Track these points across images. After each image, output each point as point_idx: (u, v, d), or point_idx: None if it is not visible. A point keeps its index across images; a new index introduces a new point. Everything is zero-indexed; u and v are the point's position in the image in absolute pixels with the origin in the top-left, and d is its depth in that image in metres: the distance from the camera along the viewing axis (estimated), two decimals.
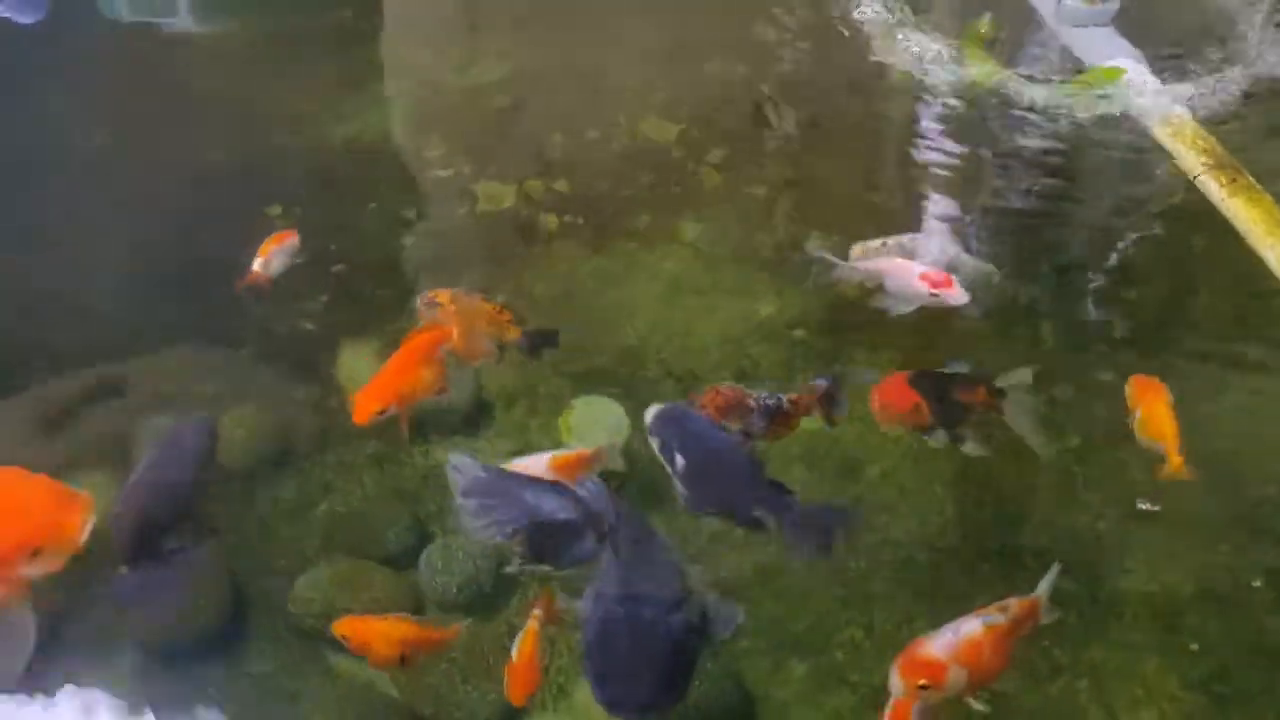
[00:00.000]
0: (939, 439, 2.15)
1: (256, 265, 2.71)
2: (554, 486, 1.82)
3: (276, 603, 2.38)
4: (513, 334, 2.28)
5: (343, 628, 2.06)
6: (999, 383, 2.12)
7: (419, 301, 2.33)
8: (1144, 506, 2.44)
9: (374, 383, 2.12)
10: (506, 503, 1.77)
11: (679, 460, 1.86)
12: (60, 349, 2.90)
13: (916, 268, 2.39)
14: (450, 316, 2.22)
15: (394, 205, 3.39)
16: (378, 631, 2.03)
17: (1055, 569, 1.97)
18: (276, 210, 3.22)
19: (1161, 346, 2.86)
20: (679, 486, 1.89)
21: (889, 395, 2.15)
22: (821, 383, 2.14)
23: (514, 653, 1.99)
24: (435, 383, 2.15)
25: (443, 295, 2.27)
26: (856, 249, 2.52)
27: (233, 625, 2.35)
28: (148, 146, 3.49)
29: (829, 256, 2.53)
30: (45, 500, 1.68)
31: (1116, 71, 3.55)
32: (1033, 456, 2.38)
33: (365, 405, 2.09)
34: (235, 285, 2.70)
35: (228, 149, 3.48)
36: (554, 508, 1.76)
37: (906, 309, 2.38)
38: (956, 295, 2.35)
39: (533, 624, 2.01)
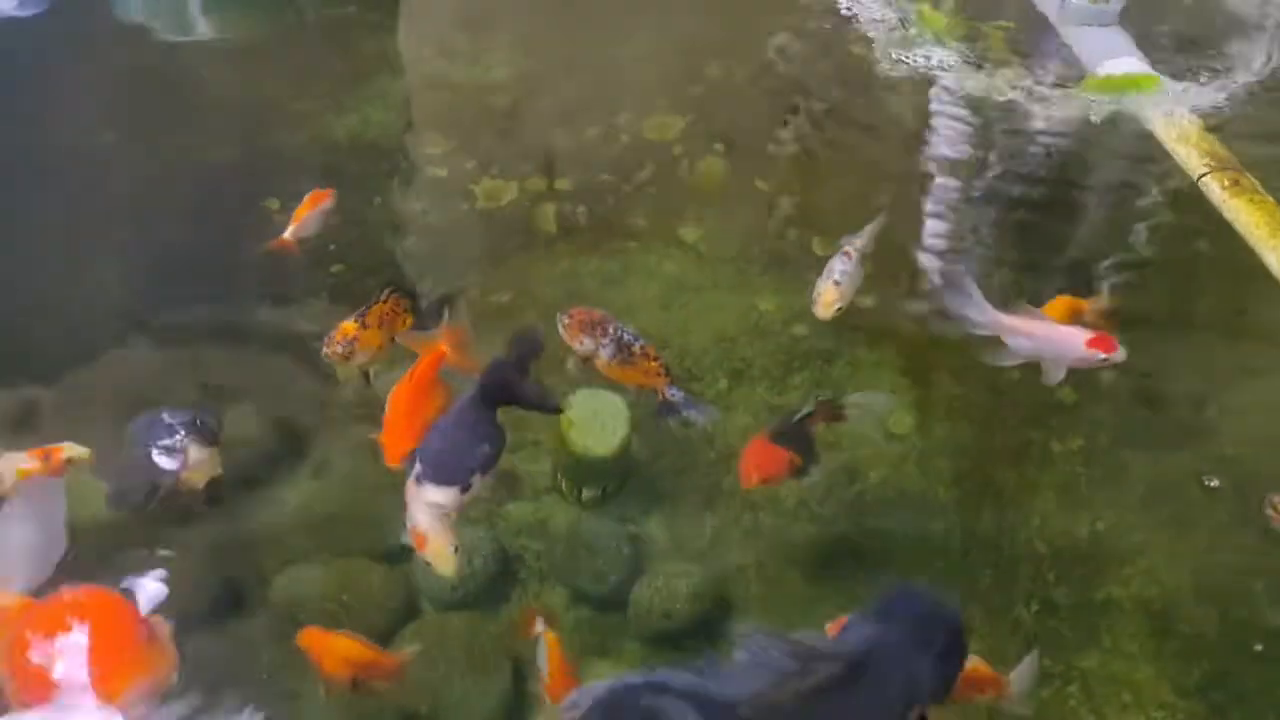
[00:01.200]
0: (812, 477, 2.24)
1: (288, 232, 2.81)
2: None
3: (274, 599, 2.37)
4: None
5: (304, 639, 2.08)
6: (847, 402, 2.30)
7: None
8: (1211, 483, 2.43)
9: (394, 423, 2.13)
10: None
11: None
12: (51, 345, 2.90)
13: (1079, 333, 2.27)
14: (440, 335, 2.23)
15: (395, 202, 3.39)
16: (334, 650, 2.05)
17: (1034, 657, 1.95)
18: (275, 205, 3.22)
19: (1166, 346, 2.86)
20: None
21: (762, 461, 2.18)
22: (674, 391, 2.29)
23: (545, 670, 2.02)
24: (446, 403, 2.16)
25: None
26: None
27: (229, 622, 2.33)
28: (149, 142, 3.48)
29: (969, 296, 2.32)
30: None
31: (1151, 80, 3.53)
32: (1037, 459, 2.37)
33: (395, 448, 2.09)
34: (265, 247, 2.79)
35: (229, 144, 3.47)
36: None
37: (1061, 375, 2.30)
38: (1120, 355, 2.26)
39: (549, 636, 2.03)
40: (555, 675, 2.03)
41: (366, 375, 2.52)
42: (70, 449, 2.11)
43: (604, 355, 2.27)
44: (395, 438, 2.10)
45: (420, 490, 1.93)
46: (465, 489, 1.95)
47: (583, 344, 2.28)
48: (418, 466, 1.96)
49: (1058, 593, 2.36)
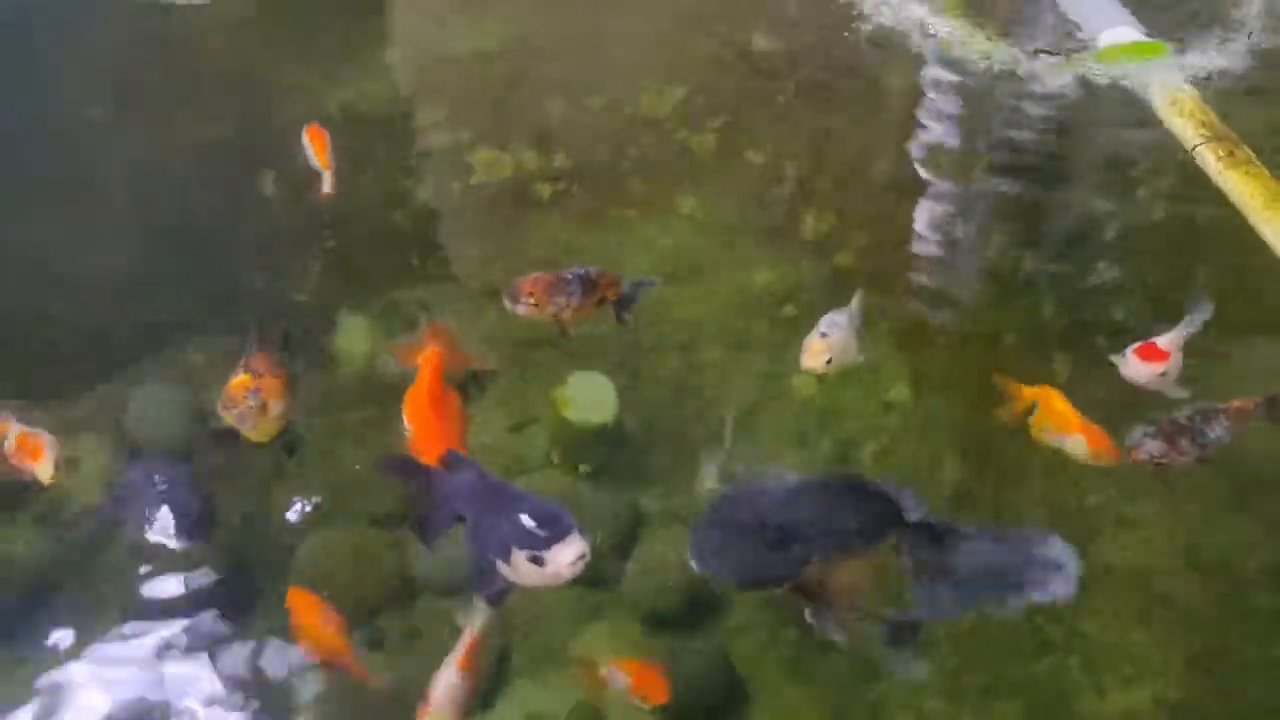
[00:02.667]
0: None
1: (327, 184, 2.81)
2: None
3: (275, 570, 2.39)
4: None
5: (293, 598, 2.11)
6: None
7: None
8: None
9: (423, 430, 2.13)
10: None
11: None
12: (54, 320, 2.91)
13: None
14: (429, 340, 2.26)
15: (390, 174, 3.38)
16: (314, 628, 2.08)
17: None
18: (269, 181, 3.22)
19: (1161, 320, 2.86)
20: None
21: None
22: (627, 284, 2.33)
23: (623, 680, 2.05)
24: (456, 401, 2.19)
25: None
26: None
27: (232, 591, 2.36)
28: (144, 117, 3.47)
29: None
30: None
31: (1159, 46, 3.51)
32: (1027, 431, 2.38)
33: (431, 451, 2.05)
34: (319, 199, 2.80)
35: (224, 118, 3.46)
36: None
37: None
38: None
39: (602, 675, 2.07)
40: (642, 673, 2.06)
41: (290, 448, 2.35)
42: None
43: (578, 299, 2.29)
44: (429, 442, 2.09)
45: (550, 559, 1.71)
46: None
47: (557, 304, 2.28)
48: (523, 547, 1.73)
49: None
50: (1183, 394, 2.30)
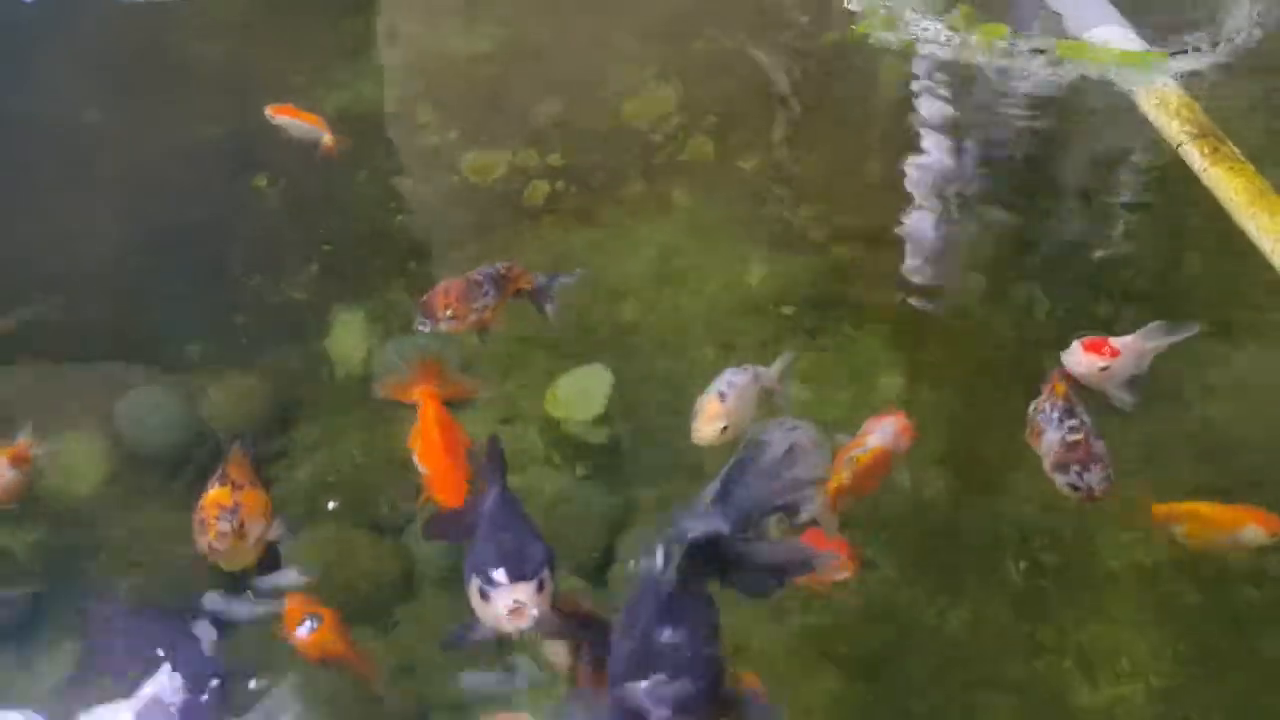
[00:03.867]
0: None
1: (327, 139, 2.87)
2: None
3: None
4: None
5: (292, 602, 2.05)
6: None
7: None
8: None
9: (439, 478, 2.05)
10: None
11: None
12: (46, 320, 2.92)
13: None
14: (421, 375, 2.21)
15: (384, 175, 3.39)
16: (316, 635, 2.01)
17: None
18: (262, 181, 3.23)
19: (1151, 316, 2.89)
20: None
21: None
22: (541, 276, 2.30)
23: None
24: (460, 432, 2.13)
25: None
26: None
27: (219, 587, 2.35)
28: (138, 119, 3.48)
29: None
30: None
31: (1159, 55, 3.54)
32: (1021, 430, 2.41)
33: (452, 493, 2.01)
34: (322, 154, 2.82)
35: (218, 119, 3.47)
36: None
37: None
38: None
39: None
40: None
41: (271, 555, 2.09)
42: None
43: (492, 299, 2.23)
44: (446, 485, 2.02)
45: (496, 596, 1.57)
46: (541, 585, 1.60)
47: (476, 310, 2.21)
48: (478, 576, 1.60)
49: (1046, 557, 2.39)
50: (1127, 399, 2.28)
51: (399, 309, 2.90)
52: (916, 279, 3.00)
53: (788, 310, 2.91)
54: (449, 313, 2.18)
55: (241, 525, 1.86)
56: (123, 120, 3.49)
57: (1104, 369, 2.25)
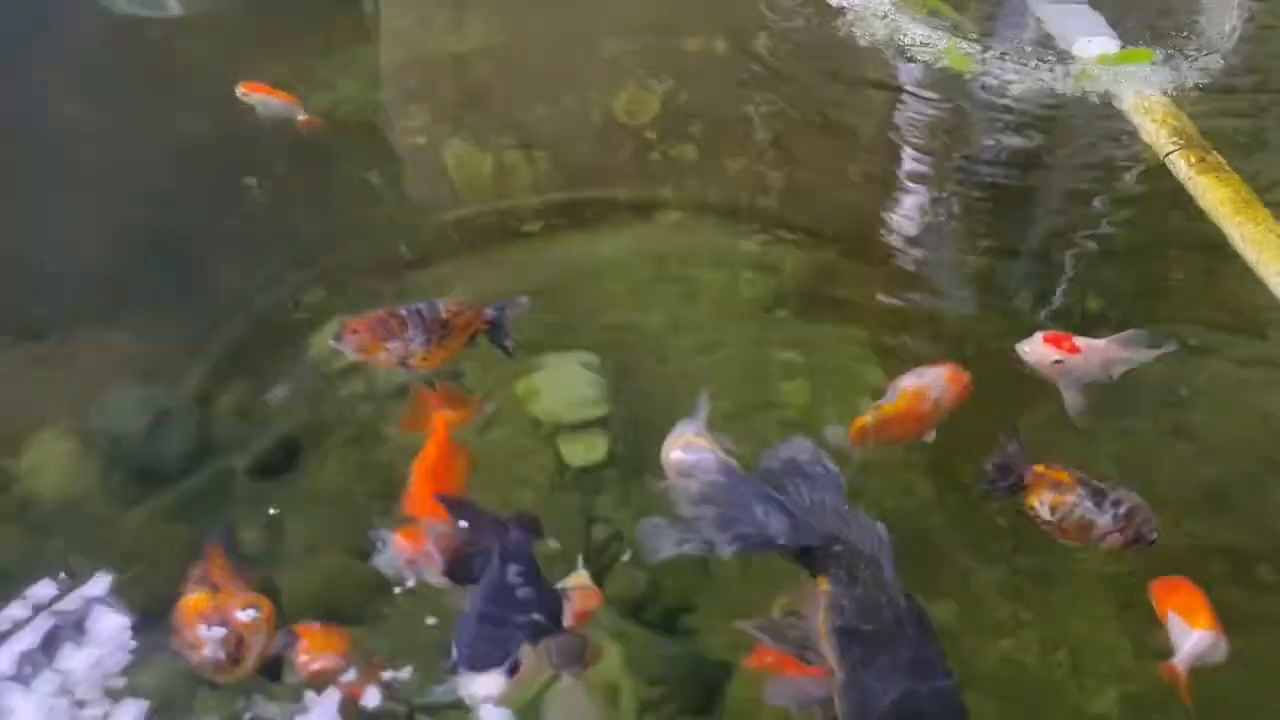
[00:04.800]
0: None
1: (301, 114, 2.85)
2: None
3: None
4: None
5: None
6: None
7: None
8: None
9: (413, 488, 2.03)
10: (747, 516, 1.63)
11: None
12: (33, 319, 2.88)
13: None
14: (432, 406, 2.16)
15: (371, 175, 3.37)
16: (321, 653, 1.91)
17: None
18: (252, 181, 3.20)
19: (1134, 320, 2.90)
20: None
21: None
22: (490, 311, 2.08)
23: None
24: (464, 463, 2.10)
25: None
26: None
27: None
28: (125, 118, 3.44)
29: None
30: None
31: (1145, 54, 3.56)
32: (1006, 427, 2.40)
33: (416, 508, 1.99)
34: (304, 129, 2.82)
35: (205, 117, 3.44)
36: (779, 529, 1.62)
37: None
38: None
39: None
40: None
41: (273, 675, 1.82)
42: None
43: (419, 345, 2.03)
44: (417, 500, 2.00)
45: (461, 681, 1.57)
46: (513, 669, 1.57)
47: (390, 349, 2.02)
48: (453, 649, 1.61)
49: (1027, 559, 2.40)
50: (1078, 403, 2.26)
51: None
52: (906, 274, 2.99)
53: (781, 315, 2.91)
54: (353, 343, 2.01)
55: (239, 645, 1.67)
56: (107, 119, 3.45)
57: (1057, 362, 2.24)
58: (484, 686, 1.55)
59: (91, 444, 2.58)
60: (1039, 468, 2.09)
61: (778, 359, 2.81)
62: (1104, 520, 2.03)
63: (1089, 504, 2.03)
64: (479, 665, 1.55)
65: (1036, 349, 2.27)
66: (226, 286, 2.99)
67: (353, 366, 2.70)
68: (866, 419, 2.11)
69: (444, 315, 2.06)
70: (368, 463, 2.56)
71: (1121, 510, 2.03)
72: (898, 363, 2.76)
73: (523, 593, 1.68)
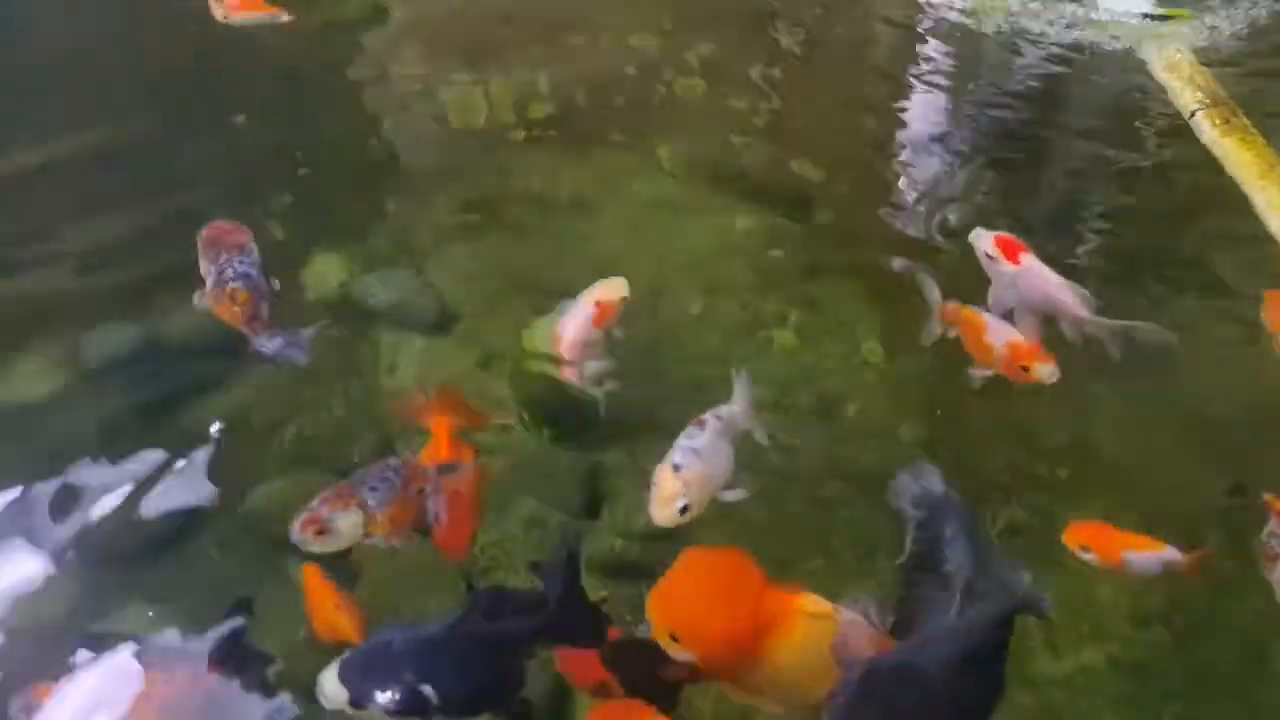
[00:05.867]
0: None
1: (284, 17, 2.81)
2: None
3: (237, 513, 2.33)
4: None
5: (307, 577, 1.93)
6: None
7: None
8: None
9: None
10: None
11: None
12: (22, 263, 2.81)
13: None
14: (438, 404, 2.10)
15: (364, 109, 3.29)
16: (326, 608, 1.91)
17: None
18: (241, 119, 3.10)
19: (1142, 282, 2.83)
20: None
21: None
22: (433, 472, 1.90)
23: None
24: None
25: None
26: None
27: (190, 532, 2.29)
28: (110, 47, 3.33)
29: None
30: None
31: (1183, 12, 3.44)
32: (1004, 394, 2.34)
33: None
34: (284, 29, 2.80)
35: (191, 42, 3.33)
36: None
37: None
38: None
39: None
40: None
41: None
42: None
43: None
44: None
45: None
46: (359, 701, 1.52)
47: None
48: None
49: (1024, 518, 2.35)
50: (1005, 306, 2.24)
51: (374, 247, 2.83)
52: (903, 235, 2.90)
53: (776, 254, 2.82)
54: (311, 533, 1.82)
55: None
56: (100, 50, 3.34)
57: (989, 257, 2.28)
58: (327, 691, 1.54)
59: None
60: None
61: (771, 309, 2.74)
62: None
63: None
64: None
65: (984, 239, 2.30)
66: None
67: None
68: None
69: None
70: None
71: None
72: (889, 322, 2.70)
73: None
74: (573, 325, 2.24)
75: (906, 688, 1.40)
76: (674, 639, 1.42)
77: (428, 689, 1.50)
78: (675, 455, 1.81)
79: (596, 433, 2.47)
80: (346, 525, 1.81)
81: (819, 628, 1.42)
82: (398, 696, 1.50)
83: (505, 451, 2.41)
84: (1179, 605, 2.17)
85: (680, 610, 1.44)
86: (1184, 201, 3.09)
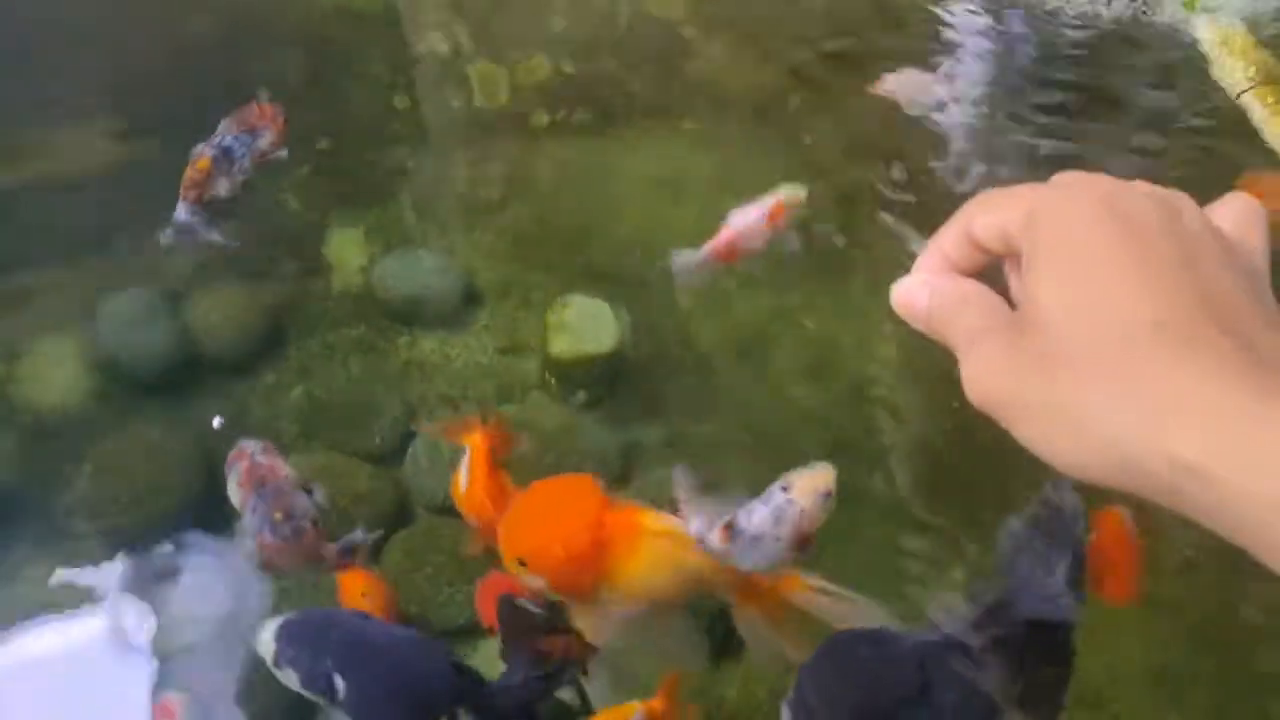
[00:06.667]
0: None
1: None
2: None
3: None
4: None
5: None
6: None
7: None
8: None
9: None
10: None
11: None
12: (34, 242, 2.76)
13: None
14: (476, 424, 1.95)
15: (384, 78, 3.24)
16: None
17: None
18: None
19: None
20: None
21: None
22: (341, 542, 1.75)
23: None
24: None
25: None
26: None
27: (204, 509, 2.26)
28: (123, 13, 3.29)
29: None
30: None
31: None
32: None
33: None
34: None
35: (208, 13, 3.28)
36: None
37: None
38: None
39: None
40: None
41: None
42: None
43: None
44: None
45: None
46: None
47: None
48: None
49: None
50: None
51: (393, 220, 2.79)
52: (931, 212, 2.84)
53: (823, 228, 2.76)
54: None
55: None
56: (115, 16, 3.29)
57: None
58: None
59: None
60: None
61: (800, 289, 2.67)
62: None
63: None
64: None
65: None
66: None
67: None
68: None
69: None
70: None
71: None
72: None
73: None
74: (743, 214, 2.12)
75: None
76: (522, 564, 1.45)
77: (339, 680, 1.52)
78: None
79: (624, 402, 2.43)
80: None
81: (662, 544, 1.43)
82: (308, 676, 1.54)
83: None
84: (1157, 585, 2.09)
85: (524, 536, 1.47)
86: (1227, 187, 2.97)
